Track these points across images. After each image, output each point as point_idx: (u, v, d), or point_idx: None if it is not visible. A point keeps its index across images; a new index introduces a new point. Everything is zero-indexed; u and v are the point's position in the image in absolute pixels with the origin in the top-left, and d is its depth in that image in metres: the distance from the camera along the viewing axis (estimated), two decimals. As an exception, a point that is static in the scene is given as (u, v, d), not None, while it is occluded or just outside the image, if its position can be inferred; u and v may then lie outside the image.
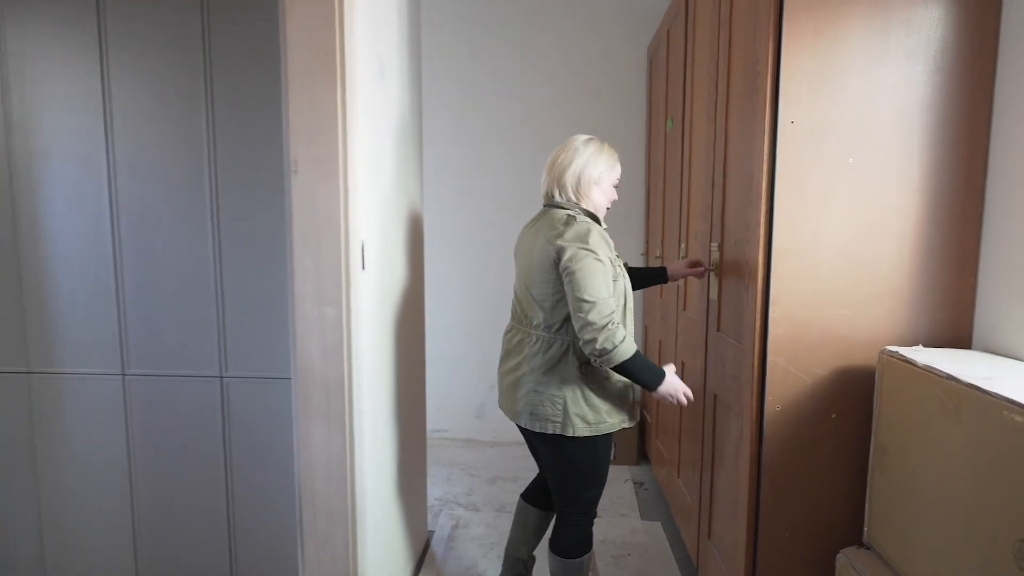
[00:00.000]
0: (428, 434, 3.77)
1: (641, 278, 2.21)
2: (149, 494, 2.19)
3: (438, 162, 3.98)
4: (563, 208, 1.86)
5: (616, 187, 1.93)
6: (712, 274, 2.13)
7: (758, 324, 1.75)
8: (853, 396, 1.72)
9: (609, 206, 1.92)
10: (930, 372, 1.41)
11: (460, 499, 3.32)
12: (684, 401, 1.83)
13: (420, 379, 2.57)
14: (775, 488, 1.76)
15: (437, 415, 4.22)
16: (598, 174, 1.85)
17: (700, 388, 2.32)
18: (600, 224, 1.90)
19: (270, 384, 2.09)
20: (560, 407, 1.80)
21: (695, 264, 2.19)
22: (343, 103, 1.56)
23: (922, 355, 1.53)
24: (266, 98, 1.97)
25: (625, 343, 1.71)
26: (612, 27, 3.78)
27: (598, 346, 1.68)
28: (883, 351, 1.61)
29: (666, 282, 2.26)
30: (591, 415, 1.81)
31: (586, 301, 1.68)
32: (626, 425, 1.89)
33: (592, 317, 1.67)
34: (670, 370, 1.84)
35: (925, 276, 1.68)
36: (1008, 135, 1.60)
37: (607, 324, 1.68)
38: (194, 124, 2.02)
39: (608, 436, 1.88)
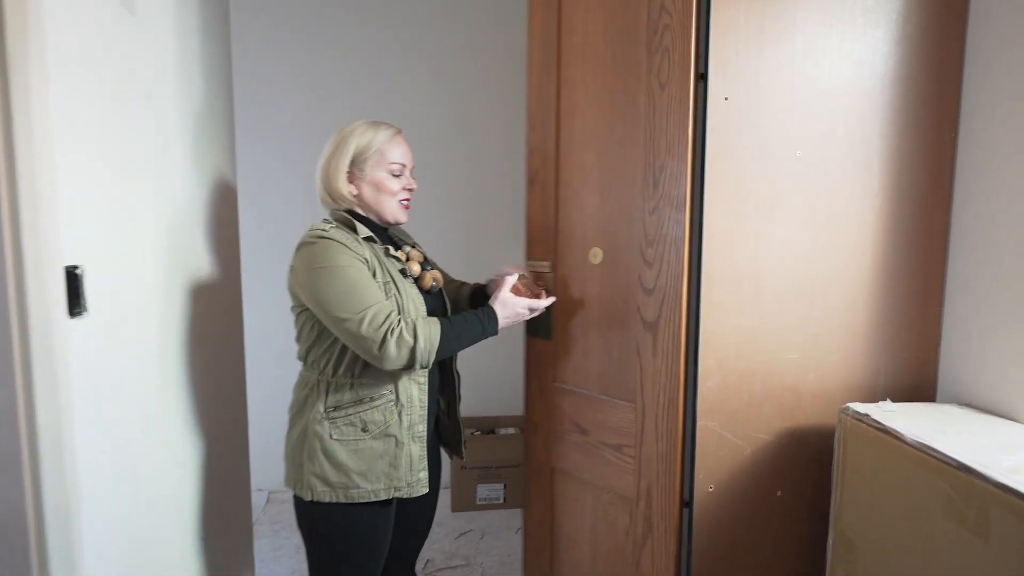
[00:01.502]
0: (266, 495, 3.04)
1: (474, 299, 1.63)
2: None
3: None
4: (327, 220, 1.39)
5: (408, 168, 1.41)
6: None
7: (681, 376, 1.29)
8: (804, 466, 1.31)
9: (407, 198, 1.43)
10: (926, 452, 1.00)
11: None
12: (531, 314, 1.43)
13: (240, 432, 1.90)
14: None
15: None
16: (346, 162, 1.37)
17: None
18: (382, 224, 1.43)
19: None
20: (298, 462, 1.37)
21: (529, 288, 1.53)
22: None
23: (899, 418, 1.13)
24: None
25: (422, 336, 1.26)
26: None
27: (394, 358, 1.25)
28: (844, 410, 1.20)
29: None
30: (334, 476, 1.32)
31: (343, 319, 1.25)
32: (399, 495, 1.36)
33: (364, 331, 1.24)
34: (500, 298, 1.39)
35: (886, 306, 1.30)
36: (980, 127, 1.24)
37: (386, 329, 1.24)
38: None
39: (367, 507, 1.35)
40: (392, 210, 1.40)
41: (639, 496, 1.38)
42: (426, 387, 1.37)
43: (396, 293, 1.32)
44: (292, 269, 1.35)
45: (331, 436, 1.33)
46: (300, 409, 1.38)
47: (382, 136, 1.37)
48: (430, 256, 1.63)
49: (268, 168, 3.07)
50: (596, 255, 1.43)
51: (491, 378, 2.74)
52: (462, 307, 1.56)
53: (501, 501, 2.25)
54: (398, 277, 1.35)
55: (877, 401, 1.26)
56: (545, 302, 1.43)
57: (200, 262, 1.56)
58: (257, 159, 3.05)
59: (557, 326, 1.52)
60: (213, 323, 1.64)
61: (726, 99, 1.23)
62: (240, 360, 1.93)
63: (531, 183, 1.57)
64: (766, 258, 1.26)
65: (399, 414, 1.34)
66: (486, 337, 1.36)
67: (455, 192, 3.15)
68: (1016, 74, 1.17)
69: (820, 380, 1.28)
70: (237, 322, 1.89)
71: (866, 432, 1.14)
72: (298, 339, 1.42)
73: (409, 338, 1.24)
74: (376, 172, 1.37)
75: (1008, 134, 1.18)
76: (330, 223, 1.36)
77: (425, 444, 1.37)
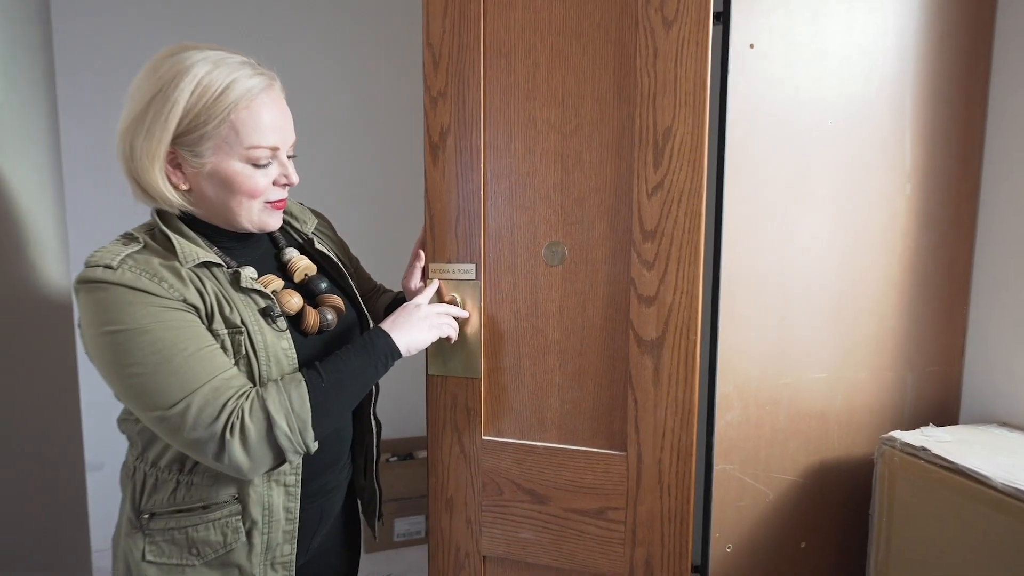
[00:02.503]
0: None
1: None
2: None
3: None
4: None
5: (284, 149, 0.87)
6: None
7: (695, 410, 0.96)
8: (832, 510, 1.07)
9: (280, 199, 0.89)
10: (1034, 500, 0.79)
11: None
12: (449, 329, 1.02)
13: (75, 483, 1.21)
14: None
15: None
16: (165, 138, 0.80)
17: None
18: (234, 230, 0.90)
19: None
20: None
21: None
22: None
23: (959, 450, 0.92)
24: None
25: (277, 411, 0.78)
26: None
27: (248, 465, 0.78)
28: (888, 441, 0.98)
29: None
30: None
31: (156, 417, 0.77)
32: None
33: (189, 432, 0.76)
34: (398, 320, 0.95)
35: (914, 312, 1.09)
36: (1013, 106, 1.08)
37: (224, 423, 0.76)
38: None
39: None
40: (252, 218, 0.86)
41: (633, 571, 1.04)
42: (297, 490, 0.88)
43: (249, 350, 0.82)
44: (78, 325, 0.82)
45: (144, 556, 0.85)
46: (123, 497, 0.90)
47: (239, 92, 0.80)
48: (344, 249, 1.13)
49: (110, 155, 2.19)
50: (556, 253, 1.05)
51: (403, 391, 2.12)
52: None
53: (423, 536, 1.81)
54: (254, 322, 0.83)
55: (904, 424, 1.06)
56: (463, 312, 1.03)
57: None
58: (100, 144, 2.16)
59: (489, 356, 1.10)
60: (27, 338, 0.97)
61: (751, 47, 0.92)
62: (72, 390, 1.26)
63: (433, 149, 1.09)
64: (792, 254, 0.98)
65: (248, 533, 0.85)
66: (387, 368, 0.91)
67: (354, 174, 2.51)
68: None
69: (848, 403, 1.05)
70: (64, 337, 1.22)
71: (925, 471, 0.91)
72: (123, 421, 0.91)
73: (255, 427, 0.77)
74: (224, 160, 0.81)
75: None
76: (131, 242, 0.81)
77: (293, 572, 0.90)
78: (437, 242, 1.11)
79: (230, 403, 0.76)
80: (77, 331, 0.85)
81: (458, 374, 1.11)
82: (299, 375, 0.82)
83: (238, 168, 0.82)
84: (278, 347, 0.85)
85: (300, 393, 0.80)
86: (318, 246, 1.01)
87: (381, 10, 2.46)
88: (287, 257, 0.96)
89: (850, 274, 1.02)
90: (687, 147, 0.94)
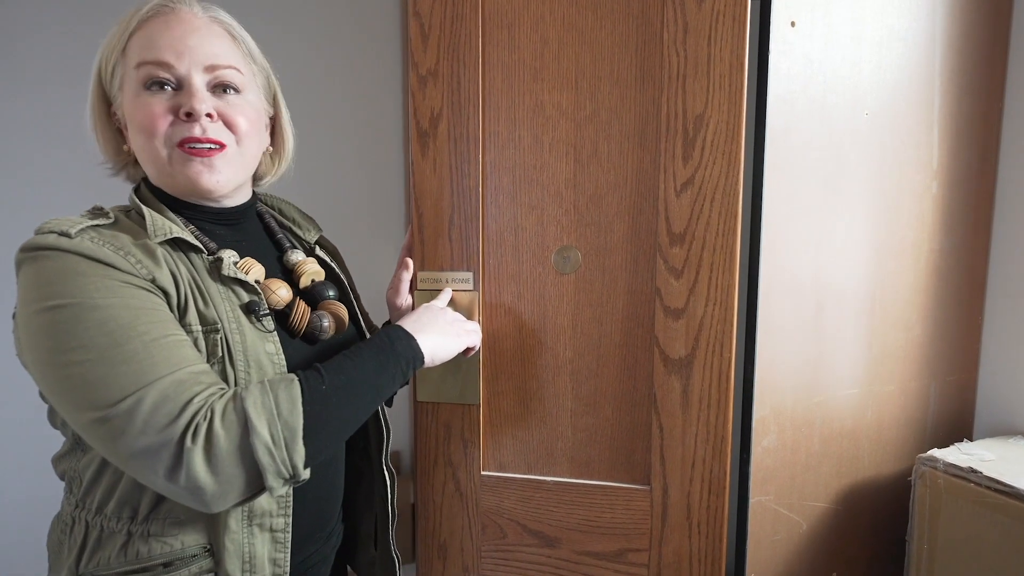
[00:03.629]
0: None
1: None
2: None
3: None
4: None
5: (194, 70, 0.66)
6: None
7: (728, 437, 0.84)
8: (862, 536, 0.98)
9: (192, 138, 0.66)
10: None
11: None
12: (469, 339, 0.85)
13: None
14: None
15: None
16: (96, 90, 0.70)
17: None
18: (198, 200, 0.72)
19: None
20: None
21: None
22: None
23: (1005, 469, 0.85)
24: None
25: (257, 414, 0.58)
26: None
27: (212, 487, 0.56)
28: (928, 462, 0.89)
29: None
30: None
31: (92, 418, 0.56)
32: None
33: (136, 440, 0.55)
34: (421, 319, 0.78)
35: (936, 318, 1.02)
36: None
37: (184, 427, 0.56)
38: None
39: None
40: (166, 167, 0.67)
41: (658, 619, 0.91)
42: (287, 536, 0.69)
43: (225, 354, 0.63)
44: (13, 315, 0.63)
45: None
46: (53, 562, 0.69)
47: (132, 19, 0.66)
48: (363, 266, 0.95)
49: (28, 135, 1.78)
50: (568, 259, 0.90)
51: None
52: None
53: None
54: (233, 319, 0.65)
55: (927, 437, 0.99)
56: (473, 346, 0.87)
57: None
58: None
59: (489, 379, 0.94)
60: None
61: (793, 24, 0.81)
62: None
63: (421, 137, 0.92)
64: (827, 258, 0.88)
65: None
66: (406, 377, 0.72)
67: (318, 170, 2.15)
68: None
69: (878, 419, 0.96)
70: None
71: (978, 496, 0.83)
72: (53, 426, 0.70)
73: (226, 434, 0.56)
74: (127, 98, 0.67)
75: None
76: (99, 216, 0.64)
77: None
78: (427, 247, 0.93)
79: (196, 399, 0.56)
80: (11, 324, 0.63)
81: (453, 400, 0.94)
82: (292, 375, 0.63)
83: (131, 96, 0.66)
84: (260, 350, 0.66)
85: (291, 395, 0.60)
86: (319, 253, 0.83)
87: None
88: (294, 259, 0.78)
89: (880, 279, 0.94)
90: (721, 137, 0.81)
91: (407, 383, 0.73)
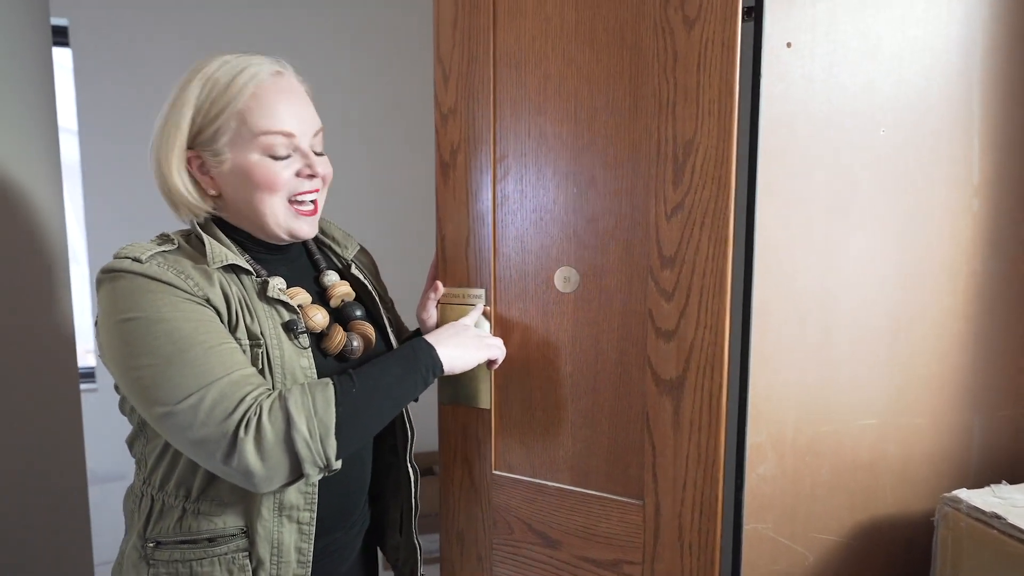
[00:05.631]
0: None
1: None
2: None
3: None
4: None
5: (306, 138, 0.79)
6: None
7: (720, 460, 0.82)
8: (878, 574, 0.90)
9: (309, 191, 0.80)
10: None
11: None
12: (492, 353, 0.92)
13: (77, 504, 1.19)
14: None
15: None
16: (182, 139, 0.76)
17: None
18: (270, 239, 0.83)
19: None
20: None
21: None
22: None
23: (1039, 515, 0.74)
24: None
25: (299, 413, 0.69)
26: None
27: (260, 471, 0.67)
28: (951, 502, 0.80)
29: None
30: None
31: (163, 412, 0.68)
32: None
33: (199, 429, 0.67)
34: (444, 333, 0.87)
35: (980, 346, 0.90)
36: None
37: (238, 420, 0.67)
38: None
39: None
40: (279, 220, 0.79)
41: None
42: (311, 528, 0.79)
43: (265, 365, 0.73)
44: (95, 323, 0.76)
45: None
46: (128, 525, 0.83)
47: (244, 79, 0.75)
48: (382, 287, 1.02)
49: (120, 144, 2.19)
50: (568, 279, 0.92)
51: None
52: None
53: (438, 556, 1.71)
54: (275, 335, 0.75)
55: (971, 478, 0.88)
56: (499, 351, 0.92)
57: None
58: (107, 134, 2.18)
59: (499, 386, 0.98)
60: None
61: (789, 45, 0.78)
62: (74, 396, 1.23)
63: (444, 168, 0.99)
64: (837, 283, 0.82)
65: (255, 572, 0.76)
66: (427, 383, 0.81)
67: (366, 180, 2.42)
68: None
69: (904, 453, 0.88)
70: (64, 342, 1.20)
71: (999, 545, 0.74)
72: (131, 441, 0.84)
73: (272, 428, 0.67)
74: (240, 154, 0.75)
75: None
76: (165, 242, 0.76)
77: None
78: (448, 265, 1.01)
79: (248, 398, 0.68)
80: (93, 330, 0.80)
81: (468, 403, 1.01)
82: (328, 379, 0.73)
83: (255, 160, 0.75)
84: (296, 364, 0.76)
85: (326, 396, 0.70)
86: (354, 271, 0.93)
87: (396, 23, 2.36)
88: (328, 281, 0.88)
89: (906, 304, 0.85)
90: (711, 162, 0.80)
91: (427, 387, 0.81)
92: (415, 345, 0.82)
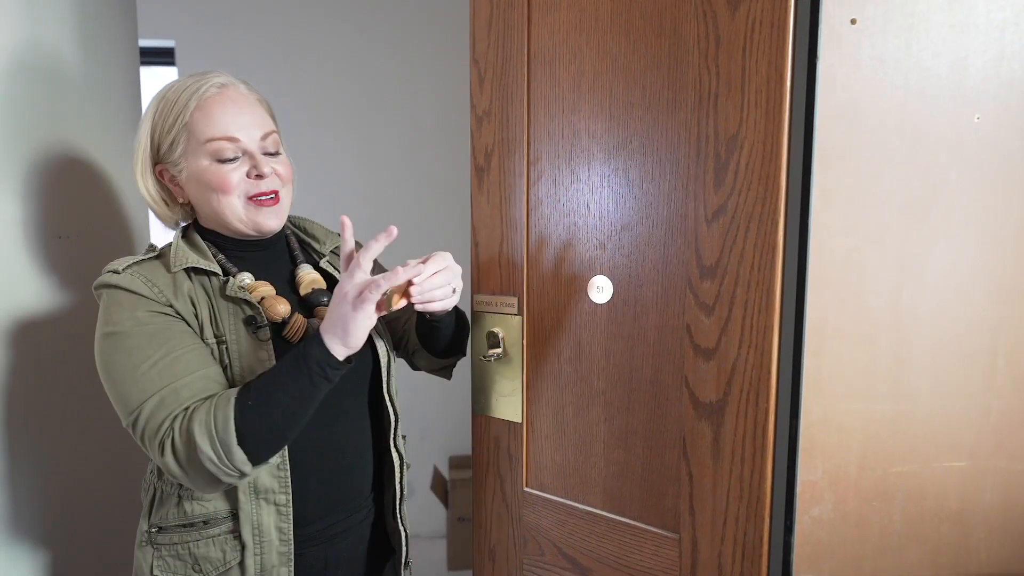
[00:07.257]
0: None
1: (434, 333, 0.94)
2: None
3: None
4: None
5: (252, 141, 0.79)
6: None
7: (768, 498, 0.71)
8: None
9: (263, 193, 0.80)
10: None
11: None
12: (367, 294, 0.71)
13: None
14: None
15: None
16: (147, 155, 0.83)
17: None
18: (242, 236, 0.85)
19: None
20: None
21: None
22: None
23: None
24: None
25: (200, 431, 0.70)
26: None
27: (193, 481, 0.73)
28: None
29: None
30: None
31: (128, 425, 0.75)
32: None
33: (143, 443, 0.74)
34: (329, 316, 0.74)
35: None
36: None
37: (163, 436, 0.72)
38: None
39: None
40: (240, 216, 0.81)
41: None
42: (289, 510, 0.80)
43: (228, 360, 0.78)
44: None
45: (152, 571, 0.81)
46: (143, 512, 0.86)
47: (189, 95, 0.79)
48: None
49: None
50: (602, 289, 0.84)
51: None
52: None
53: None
54: (235, 331, 0.79)
55: (1098, 539, 0.70)
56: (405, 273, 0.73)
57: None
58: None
59: (531, 400, 0.92)
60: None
61: (854, 22, 0.65)
62: None
63: (478, 172, 0.94)
64: (914, 300, 0.68)
65: (242, 553, 0.79)
66: (327, 377, 0.73)
67: (387, 183, 2.34)
68: None
69: (1004, 503, 0.71)
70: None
71: None
72: None
73: (184, 449, 0.71)
74: (193, 162, 0.80)
75: None
76: (149, 251, 0.83)
77: None
78: (482, 271, 0.96)
79: (165, 422, 0.72)
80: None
81: (500, 415, 0.95)
82: (233, 392, 0.73)
83: (205, 165, 0.79)
84: (254, 357, 0.78)
85: (225, 414, 0.70)
86: (323, 264, 0.92)
87: (432, 24, 2.30)
88: (299, 273, 0.89)
89: (1008, 324, 0.69)
90: (757, 160, 0.69)
91: (332, 382, 0.74)
92: (308, 341, 0.74)
